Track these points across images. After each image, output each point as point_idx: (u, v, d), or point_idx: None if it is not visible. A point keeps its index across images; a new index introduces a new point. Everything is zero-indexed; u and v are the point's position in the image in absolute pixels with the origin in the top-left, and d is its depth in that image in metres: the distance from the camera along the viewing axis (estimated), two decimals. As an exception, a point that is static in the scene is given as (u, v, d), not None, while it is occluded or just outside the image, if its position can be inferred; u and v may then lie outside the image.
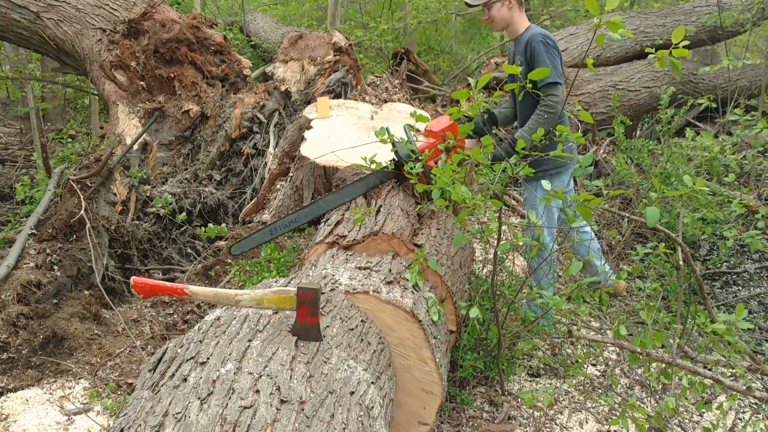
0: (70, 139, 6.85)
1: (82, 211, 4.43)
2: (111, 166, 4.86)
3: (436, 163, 3.18)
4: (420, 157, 3.10)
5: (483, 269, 3.89)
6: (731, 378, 3.50)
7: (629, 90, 7.14)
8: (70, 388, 3.39)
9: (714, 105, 4.98)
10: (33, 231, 4.43)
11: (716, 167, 4.36)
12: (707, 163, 4.37)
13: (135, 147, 5.16)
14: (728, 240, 3.88)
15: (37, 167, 6.21)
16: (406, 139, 3.27)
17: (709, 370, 2.89)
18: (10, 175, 7.34)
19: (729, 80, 7.28)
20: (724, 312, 4.02)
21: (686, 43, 1.92)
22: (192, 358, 1.85)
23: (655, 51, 2.15)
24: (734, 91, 6.98)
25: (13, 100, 10.08)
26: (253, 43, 10.39)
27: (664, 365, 2.66)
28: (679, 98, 6.52)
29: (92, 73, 5.65)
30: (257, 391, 1.68)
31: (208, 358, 1.82)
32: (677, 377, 2.67)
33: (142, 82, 5.54)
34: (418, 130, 3.39)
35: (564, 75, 3.54)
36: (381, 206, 3.20)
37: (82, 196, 4.55)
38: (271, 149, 5.50)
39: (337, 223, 3.17)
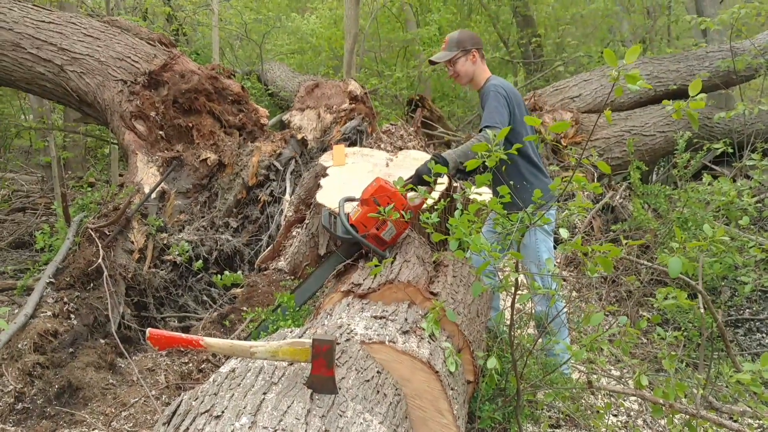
0: (89, 188, 6.95)
1: (100, 260, 4.46)
2: (129, 214, 4.91)
3: (378, 230, 3.19)
4: (354, 233, 3.14)
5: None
6: (758, 430, 3.40)
7: (644, 134, 7.16)
8: (84, 439, 3.36)
9: (730, 150, 4.96)
10: (51, 279, 4.47)
11: (734, 212, 4.33)
12: (724, 208, 4.33)
13: (153, 195, 5.22)
14: (747, 284, 3.83)
15: (57, 215, 6.29)
16: (343, 212, 3.30)
17: (735, 421, 2.81)
18: (30, 223, 7.44)
19: (744, 124, 7.28)
20: (748, 360, 3.93)
21: (703, 95, 1.93)
22: (206, 411, 1.83)
23: (671, 99, 2.16)
24: (750, 134, 6.97)
25: (36, 149, 10.29)
26: (270, 91, 10.58)
27: (688, 417, 2.59)
28: (694, 142, 6.52)
29: (113, 123, 5.77)
30: (272, 447, 1.66)
31: (222, 412, 1.80)
32: (702, 429, 2.60)
33: (161, 132, 5.64)
34: (355, 199, 3.40)
35: (505, 122, 3.49)
36: (397, 254, 3.19)
37: (100, 245, 4.59)
38: (287, 196, 5.54)
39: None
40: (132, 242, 4.90)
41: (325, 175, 4.65)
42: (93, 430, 3.44)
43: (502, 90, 3.58)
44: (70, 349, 4.07)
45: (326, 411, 1.90)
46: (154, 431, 1.92)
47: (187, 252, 5.04)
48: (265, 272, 4.91)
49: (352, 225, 3.22)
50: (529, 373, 3.28)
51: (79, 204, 5.72)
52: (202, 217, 5.44)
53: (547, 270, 2.74)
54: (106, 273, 4.41)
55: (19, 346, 3.85)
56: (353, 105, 6.28)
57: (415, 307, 2.80)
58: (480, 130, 3.43)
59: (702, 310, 2.79)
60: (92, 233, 4.71)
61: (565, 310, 3.58)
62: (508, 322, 2.79)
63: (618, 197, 6.49)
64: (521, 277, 2.84)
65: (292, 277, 4.61)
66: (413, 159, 4.93)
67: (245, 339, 3.66)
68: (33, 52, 5.71)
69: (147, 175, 5.37)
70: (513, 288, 2.59)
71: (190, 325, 4.82)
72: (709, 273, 4.47)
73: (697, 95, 1.94)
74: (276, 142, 5.92)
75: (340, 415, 1.92)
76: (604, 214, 6.45)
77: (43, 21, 5.86)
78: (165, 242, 5.09)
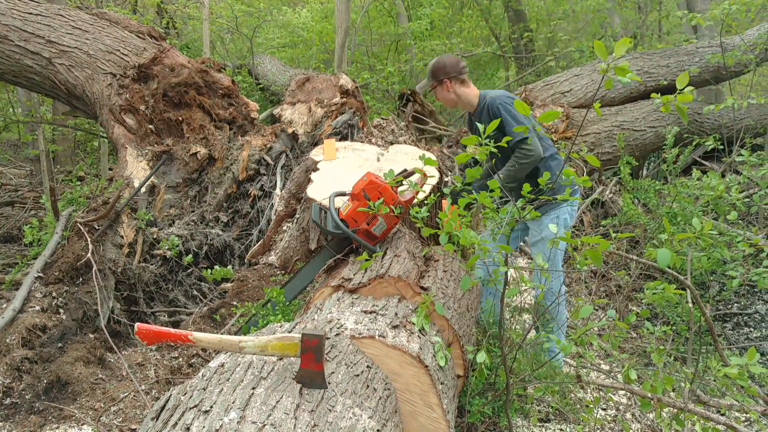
0: (78, 182, 6.91)
1: (89, 254, 4.43)
2: (119, 208, 4.89)
3: (368, 224, 3.19)
4: (345, 228, 3.17)
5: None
6: (745, 423, 3.43)
7: (634, 130, 7.17)
8: (72, 434, 3.35)
9: (720, 145, 4.98)
10: (40, 274, 4.43)
11: (722, 206, 4.35)
12: (713, 203, 4.35)
13: (143, 189, 5.19)
14: (734, 279, 3.85)
15: (45, 209, 6.25)
16: (333, 207, 3.31)
17: (723, 415, 2.83)
18: (18, 217, 7.39)
19: (734, 119, 7.31)
20: (736, 354, 3.96)
21: (691, 88, 1.93)
22: (195, 406, 1.83)
23: (660, 94, 2.16)
24: (740, 130, 7.00)
25: (24, 142, 10.22)
26: (261, 85, 10.54)
27: (676, 410, 2.61)
28: (684, 137, 6.54)
29: (102, 116, 5.73)
30: (261, 441, 1.65)
31: (211, 407, 1.80)
32: (690, 423, 2.62)
33: (150, 126, 5.60)
34: (345, 193, 3.41)
35: (534, 125, 3.59)
36: (387, 248, 3.19)
37: (89, 239, 4.56)
38: (278, 191, 5.52)
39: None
40: (121, 237, 4.87)
41: (315, 169, 4.64)
42: (82, 425, 3.43)
43: (511, 99, 3.61)
44: (59, 344, 4.05)
45: (315, 406, 1.90)
46: (143, 426, 1.91)
47: (177, 246, 5.02)
48: (255, 267, 4.89)
49: (342, 220, 3.22)
50: (519, 367, 3.29)
51: (68, 198, 5.68)
52: (192, 211, 5.42)
53: (545, 266, 2.75)
54: (95, 267, 4.38)
55: (7, 340, 3.82)
56: (344, 99, 6.26)
57: (406, 302, 2.80)
58: (516, 143, 3.50)
59: (690, 305, 2.81)
60: (81, 227, 4.68)
61: (564, 294, 3.61)
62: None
63: (608, 192, 6.51)
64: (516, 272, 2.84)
65: (283, 272, 4.61)
66: (404, 153, 4.92)
67: (235, 334, 3.66)
68: (20, 44, 5.65)
69: (137, 169, 5.33)
70: (505, 282, 2.60)
71: (180, 319, 4.80)
72: (698, 267, 4.50)
73: (684, 88, 1.95)
74: (267, 136, 5.89)
75: (330, 410, 1.92)
76: (595, 209, 6.47)
77: (31, 13, 5.80)
78: (155, 237, 5.07)
